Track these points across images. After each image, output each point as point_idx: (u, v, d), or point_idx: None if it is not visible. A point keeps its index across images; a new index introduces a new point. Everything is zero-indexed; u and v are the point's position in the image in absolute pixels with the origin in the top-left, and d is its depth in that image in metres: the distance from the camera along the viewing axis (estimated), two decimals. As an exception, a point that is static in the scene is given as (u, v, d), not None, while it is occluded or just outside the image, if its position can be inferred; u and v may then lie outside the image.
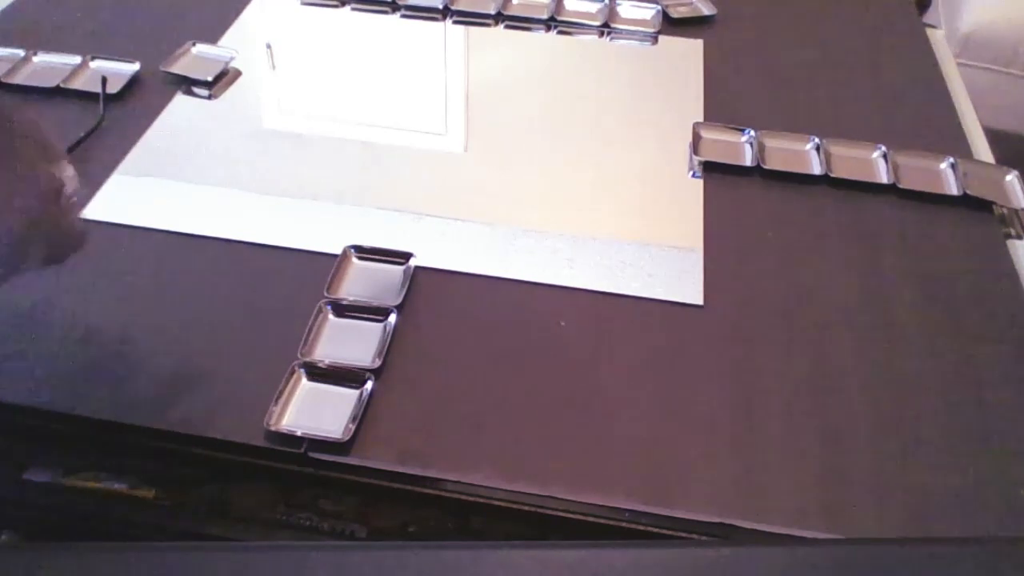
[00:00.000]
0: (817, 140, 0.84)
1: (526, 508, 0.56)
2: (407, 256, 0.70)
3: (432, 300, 0.68)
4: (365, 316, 0.66)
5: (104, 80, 0.85)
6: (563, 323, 0.67)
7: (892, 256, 0.74)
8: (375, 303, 0.66)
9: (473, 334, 0.66)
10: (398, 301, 0.66)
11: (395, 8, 1.03)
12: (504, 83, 0.94)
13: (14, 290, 0.66)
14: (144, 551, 0.44)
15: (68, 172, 0.54)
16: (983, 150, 0.88)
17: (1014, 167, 0.83)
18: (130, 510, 0.60)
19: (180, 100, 0.88)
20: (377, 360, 0.62)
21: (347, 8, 1.03)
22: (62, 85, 0.86)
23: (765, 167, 0.82)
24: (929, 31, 1.06)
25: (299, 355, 0.62)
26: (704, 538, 0.55)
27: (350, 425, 0.58)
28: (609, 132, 0.88)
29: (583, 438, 0.59)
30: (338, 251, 0.70)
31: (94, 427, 0.59)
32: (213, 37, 0.95)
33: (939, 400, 0.63)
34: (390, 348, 0.63)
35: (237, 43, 0.94)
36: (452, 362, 0.64)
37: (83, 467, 0.62)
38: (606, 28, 1.02)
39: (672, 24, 1.03)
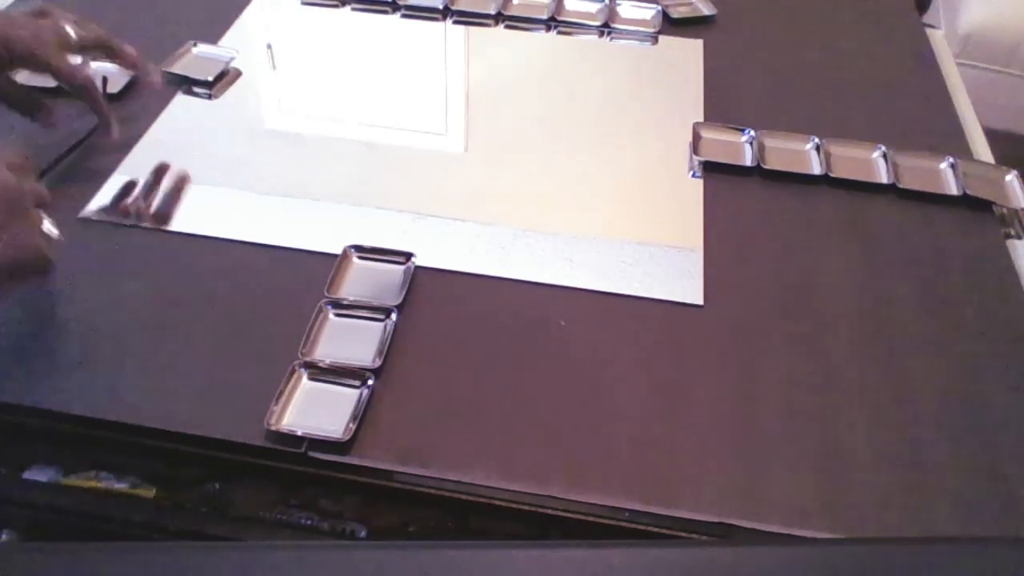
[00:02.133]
0: (817, 140, 0.84)
1: (526, 507, 0.56)
2: (408, 256, 0.70)
3: (432, 300, 0.68)
4: (365, 316, 0.66)
5: (104, 80, 0.85)
6: (563, 323, 0.67)
7: (892, 256, 0.74)
8: (375, 303, 0.66)
9: (473, 334, 0.66)
10: (398, 301, 0.66)
11: (395, 8, 1.03)
12: (504, 83, 0.94)
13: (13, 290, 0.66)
14: (144, 551, 0.44)
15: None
16: (983, 150, 0.88)
17: (1014, 167, 0.83)
18: (130, 510, 0.60)
19: (180, 100, 0.88)
20: (377, 360, 0.62)
21: (347, 8, 1.03)
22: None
23: (765, 167, 0.82)
24: (929, 31, 1.06)
25: (299, 355, 0.62)
26: (704, 538, 0.55)
27: (350, 425, 0.58)
28: (609, 132, 0.88)
29: (583, 438, 0.59)
30: (338, 251, 0.70)
31: (94, 426, 0.59)
32: (213, 37, 0.95)
33: (939, 400, 0.63)
34: (390, 348, 0.63)
35: (237, 43, 0.95)
36: (452, 362, 0.64)
37: (83, 467, 0.62)
38: (606, 28, 1.02)
39: (672, 24, 1.03)
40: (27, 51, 0.70)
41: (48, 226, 0.61)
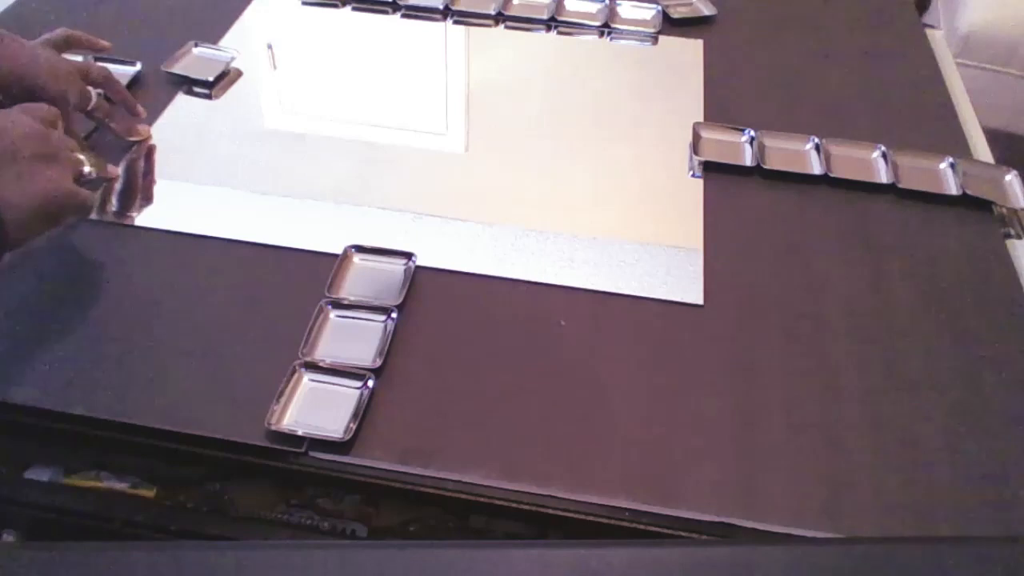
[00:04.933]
0: (817, 140, 0.84)
1: (526, 507, 0.56)
2: (408, 256, 0.70)
3: (432, 300, 0.68)
4: (366, 316, 0.66)
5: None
6: (563, 323, 0.67)
7: (892, 256, 0.74)
8: (376, 303, 0.66)
9: (473, 334, 0.66)
10: (399, 301, 0.67)
11: (395, 8, 1.03)
12: (504, 83, 0.94)
13: (14, 290, 0.67)
14: (144, 551, 0.44)
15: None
16: (983, 150, 0.88)
17: (1014, 167, 0.83)
18: (130, 510, 0.60)
19: (181, 100, 0.88)
20: (378, 360, 0.62)
21: (347, 8, 1.03)
22: (63, 85, 0.85)
23: (765, 167, 0.82)
24: (929, 31, 1.06)
25: (300, 354, 0.62)
26: (704, 538, 0.55)
27: (351, 424, 0.58)
28: (609, 132, 0.88)
29: (583, 438, 0.59)
30: (339, 251, 0.70)
31: (95, 426, 0.59)
32: (214, 37, 0.95)
33: (939, 400, 0.63)
34: (391, 348, 0.63)
35: (238, 43, 0.95)
36: (452, 361, 0.64)
37: (84, 467, 0.62)
38: (606, 28, 1.02)
39: (672, 24, 1.03)
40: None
41: (88, 169, 0.65)
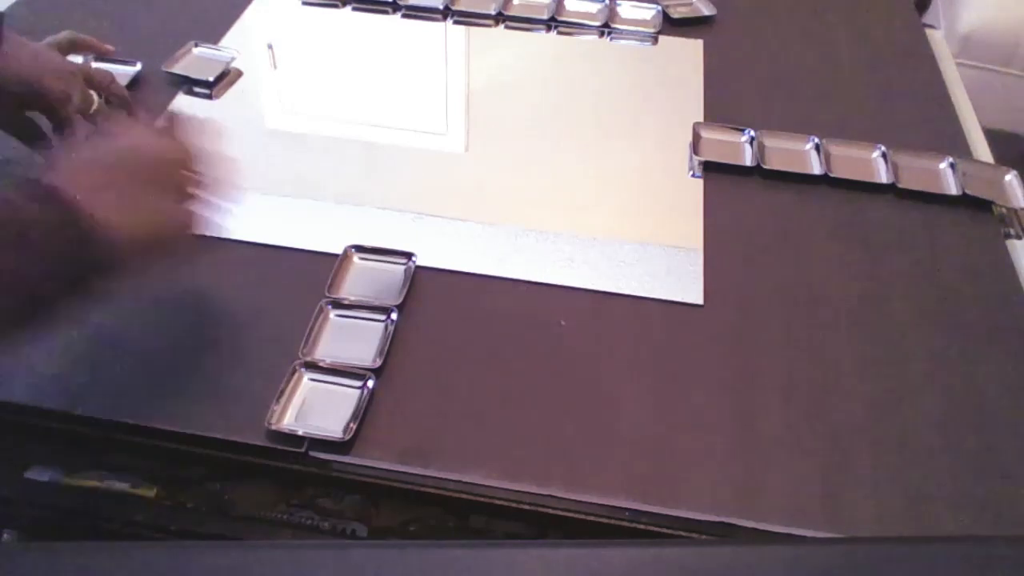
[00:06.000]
0: (817, 140, 0.84)
1: (526, 507, 0.56)
2: (408, 256, 0.70)
3: (433, 300, 0.68)
4: (366, 316, 0.66)
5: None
6: (563, 323, 0.67)
7: (892, 256, 0.74)
8: (376, 302, 0.66)
9: (474, 333, 0.66)
10: (399, 300, 0.67)
11: (396, 8, 1.03)
12: (505, 83, 0.94)
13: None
14: (144, 551, 0.44)
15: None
16: (983, 150, 0.88)
17: (1014, 167, 0.83)
18: (131, 510, 0.60)
19: (181, 100, 0.88)
20: (378, 359, 0.62)
21: (348, 8, 1.03)
22: (63, 85, 0.85)
23: (765, 167, 0.82)
24: (928, 31, 1.06)
25: (300, 354, 0.62)
26: (704, 537, 0.55)
27: (351, 424, 0.58)
28: (609, 132, 0.88)
29: (583, 437, 0.59)
30: (339, 251, 0.70)
31: (95, 426, 0.59)
32: (214, 37, 0.95)
33: (939, 400, 0.63)
34: (391, 347, 0.63)
35: (238, 43, 0.95)
36: (453, 361, 0.64)
37: (85, 466, 0.62)
38: (606, 28, 1.02)
39: (672, 24, 1.03)
40: (50, 108, 0.72)
41: (206, 200, 0.60)
